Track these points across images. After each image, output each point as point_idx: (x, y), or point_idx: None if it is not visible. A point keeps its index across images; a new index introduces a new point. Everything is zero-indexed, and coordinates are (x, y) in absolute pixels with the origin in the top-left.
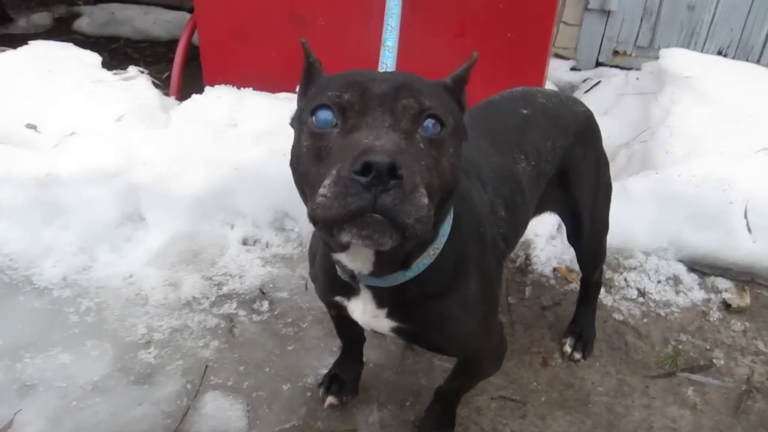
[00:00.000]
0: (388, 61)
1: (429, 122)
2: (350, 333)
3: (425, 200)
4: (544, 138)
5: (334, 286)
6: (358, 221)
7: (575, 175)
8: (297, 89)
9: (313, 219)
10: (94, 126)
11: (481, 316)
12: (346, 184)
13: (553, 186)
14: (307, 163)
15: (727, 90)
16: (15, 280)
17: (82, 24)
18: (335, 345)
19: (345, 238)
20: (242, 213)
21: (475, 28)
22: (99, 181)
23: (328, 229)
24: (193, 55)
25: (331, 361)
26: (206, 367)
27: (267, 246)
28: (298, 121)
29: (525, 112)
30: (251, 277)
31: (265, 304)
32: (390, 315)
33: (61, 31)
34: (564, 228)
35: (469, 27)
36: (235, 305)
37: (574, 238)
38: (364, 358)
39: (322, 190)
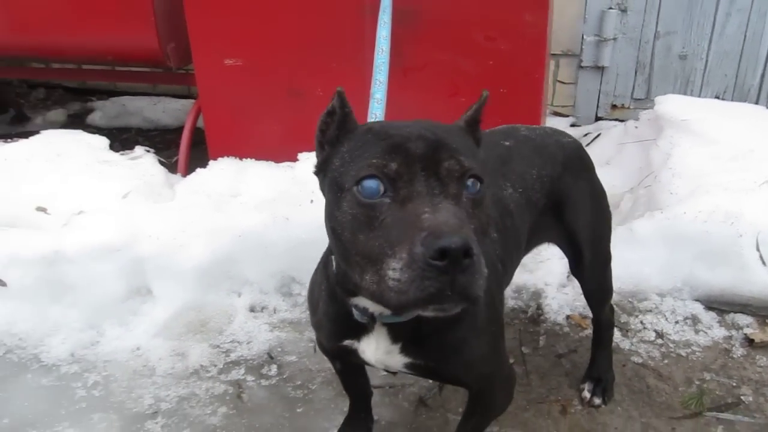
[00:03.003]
0: (377, 112)
1: (470, 182)
2: (357, 386)
3: (485, 269)
4: (528, 166)
5: (341, 330)
6: (434, 300)
7: (569, 205)
8: (317, 136)
9: (382, 300)
10: (101, 204)
11: (492, 338)
12: (423, 269)
13: (549, 217)
14: (355, 232)
15: (725, 129)
16: (23, 359)
17: (95, 118)
18: (346, 405)
19: (416, 311)
20: (249, 281)
21: (468, 86)
22: (105, 257)
23: (400, 311)
24: (200, 139)
25: (341, 420)
26: None
27: (275, 312)
28: (334, 185)
29: (507, 143)
30: (259, 343)
31: (274, 369)
32: (403, 350)
33: (75, 125)
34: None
35: (462, 86)
36: (243, 371)
37: (576, 270)
38: (376, 417)
39: (393, 274)
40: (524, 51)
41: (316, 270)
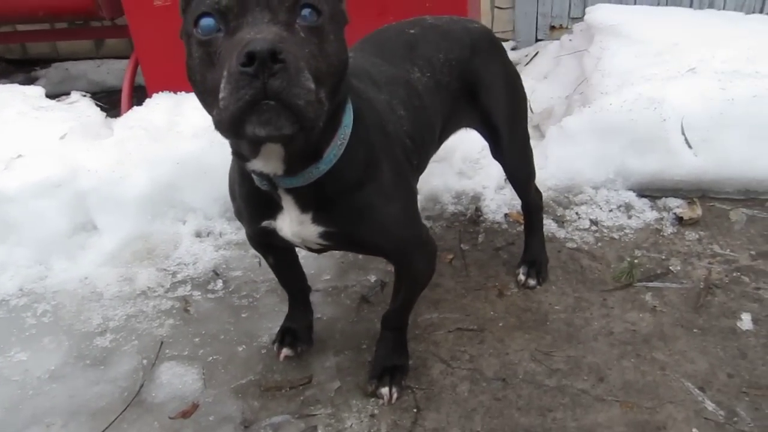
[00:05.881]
0: None
1: (306, 11)
2: (293, 279)
3: (311, 84)
4: (434, 51)
5: (258, 211)
6: (256, 111)
7: (482, 88)
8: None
9: (219, 124)
10: (40, 146)
11: (401, 203)
12: (237, 79)
13: (464, 101)
14: (202, 71)
15: (650, 29)
16: None
17: (39, 85)
18: None
19: (249, 130)
20: (192, 207)
21: (394, 5)
22: (46, 193)
23: (233, 129)
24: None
25: None
26: (161, 343)
27: (220, 236)
28: (185, 35)
29: (412, 31)
30: (204, 262)
31: (219, 283)
32: (315, 220)
33: None
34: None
35: (389, 4)
36: (189, 288)
37: (496, 152)
38: (319, 315)
39: (221, 95)
40: None
41: (231, 162)
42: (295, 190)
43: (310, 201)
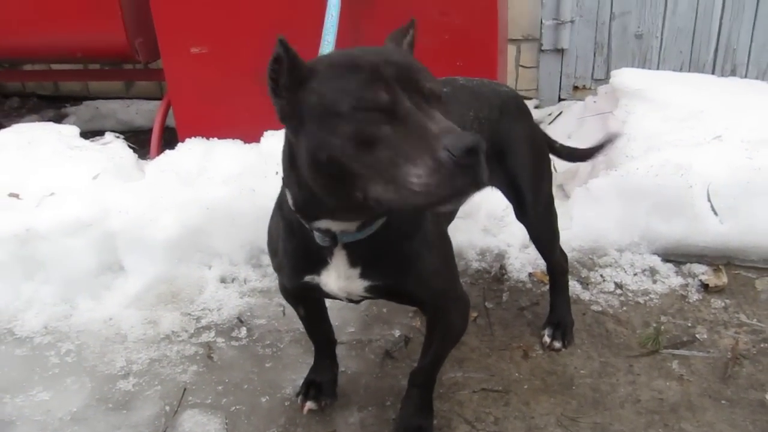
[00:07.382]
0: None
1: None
2: (321, 332)
3: None
4: (466, 109)
5: (301, 265)
6: (463, 193)
7: (509, 150)
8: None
9: (406, 203)
10: (72, 185)
11: (442, 253)
12: (451, 170)
13: (491, 161)
14: (355, 151)
15: (676, 94)
16: None
17: (69, 122)
18: (312, 360)
19: (445, 209)
20: (218, 253)
21: (425, 61)
22: (76, 233)
23: (425, 209)
24: (171, 137)
25: None
26: (184, 389)
27: (245, 282)
28: (325, 116)
29: (445, 89)
30: (229, 309)
31: (243, 331)
32: (363, 275)
33: None
34: None
35: (419, 59)
36: (213, 334)
37: (521, 214)
38: (343, 368)
39: (418, 180)
40: (477, 24)
41: (271, 218)
42: (350, 245)
43: (361, 255)
